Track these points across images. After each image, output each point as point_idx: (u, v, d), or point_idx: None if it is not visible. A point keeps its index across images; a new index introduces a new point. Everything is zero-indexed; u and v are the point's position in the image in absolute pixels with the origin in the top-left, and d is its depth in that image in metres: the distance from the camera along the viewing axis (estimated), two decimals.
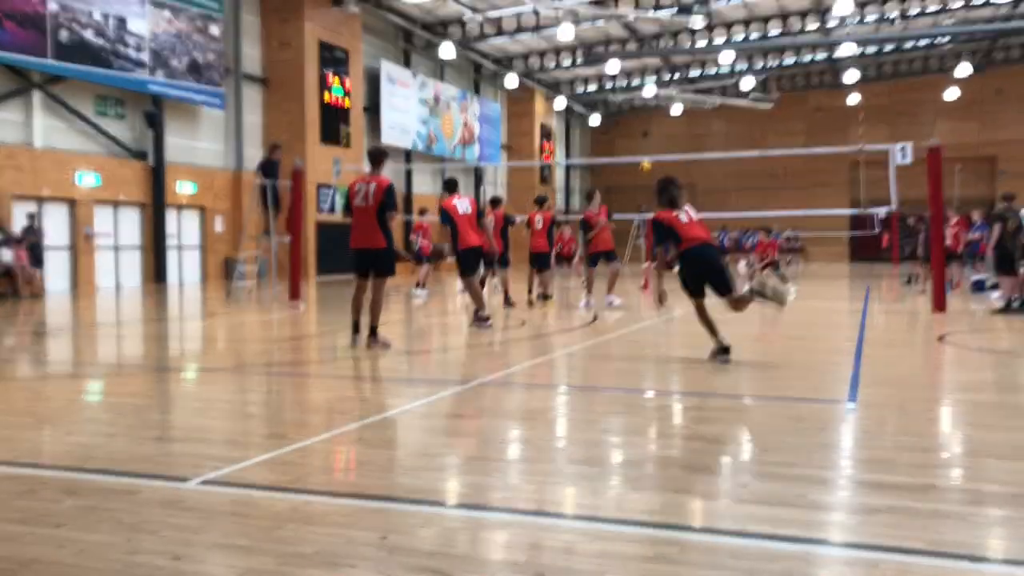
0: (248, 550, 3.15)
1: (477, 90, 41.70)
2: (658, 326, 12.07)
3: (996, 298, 15.93)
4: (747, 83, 44.32)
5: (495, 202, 15.21)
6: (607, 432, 5.26)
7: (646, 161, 20.02)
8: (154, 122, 23.35)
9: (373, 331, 9.13)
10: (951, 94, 45.18)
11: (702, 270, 8.21)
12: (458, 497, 3.94)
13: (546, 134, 46.80)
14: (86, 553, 3.13)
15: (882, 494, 3.80)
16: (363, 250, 9.11)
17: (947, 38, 38.50)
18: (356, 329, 9.36)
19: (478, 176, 41.49)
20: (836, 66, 45.30)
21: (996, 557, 3.15)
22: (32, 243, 18.99)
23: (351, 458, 4.64)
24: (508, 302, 14.26)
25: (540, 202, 15.44)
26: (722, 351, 8.17)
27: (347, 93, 29.62)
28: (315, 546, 3.17)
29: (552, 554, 3.11)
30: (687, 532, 3.38)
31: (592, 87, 46.58)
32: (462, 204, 11.39)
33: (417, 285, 17.49)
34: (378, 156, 9.30)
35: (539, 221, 15.03)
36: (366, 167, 9.35)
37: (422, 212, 19.99)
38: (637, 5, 31.44)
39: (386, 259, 9.13)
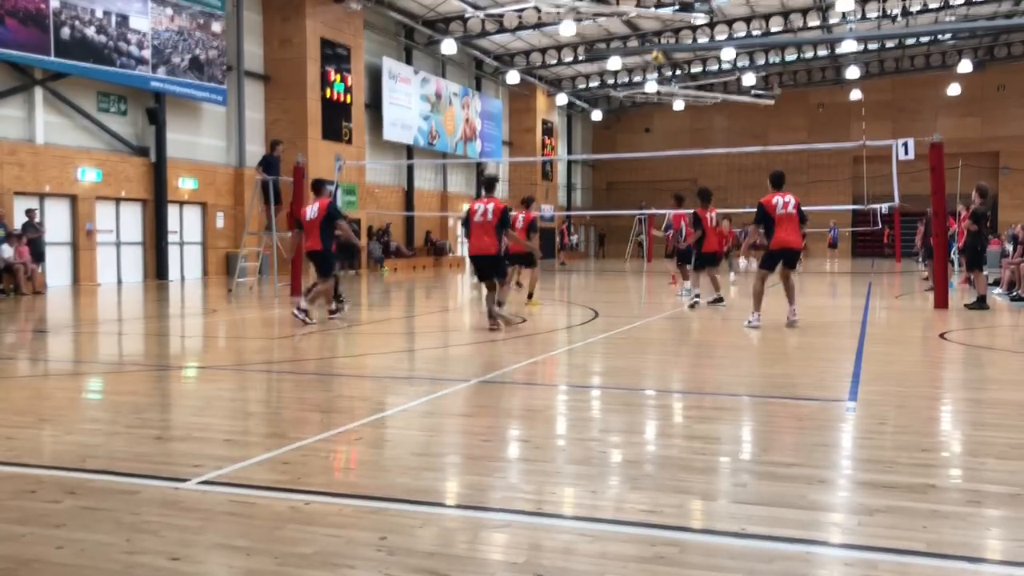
0: (247, 550, 3.15)
1: (479, 86, 41.68)
2: (659, 324, 12.07)
3: (998, 294, 15.96)
4: (748, 79, 44.29)
5: (527, 202, 15.44)
6: (606, 431, 5.26)
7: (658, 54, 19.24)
8: (156, 118, 23.35)
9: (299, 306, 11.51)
10: (953, 90, 45.13)
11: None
12: (457, 497, 3.94)
13: (548, 130, 46.77)
14: (86, 553, 3.13)
15: (882, 494, 3.80)
16: (309, 253, 11.80)
17: (949, 35, 38.42)
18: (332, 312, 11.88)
19: (479, 172, 41.49)
20: (838, 62, 45.25)
21: (995, 558, 3.15)
22: (33, 239, 18.99)
23: (351, 458, 4.65)
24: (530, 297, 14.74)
25: (527, 203, 15.41)
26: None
27: (349, 89, 29.60)
28: (314, 546, 3.17)
29: (551, 554, 3.11)
30: (686, 532, 3.39)
31: (594, 83, 46.54)
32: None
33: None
34: (316, 186, 12.04)
35: (520, 220, 14.78)
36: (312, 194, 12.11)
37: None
38: (639, 3, 31.39)
39: (322, 258, 11.56)
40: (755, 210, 11.25)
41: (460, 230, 12.20)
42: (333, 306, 12.14)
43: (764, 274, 11.23)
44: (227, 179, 26.61)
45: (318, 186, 12.09)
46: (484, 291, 11.21)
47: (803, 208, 11.07)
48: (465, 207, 12.26)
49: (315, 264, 11.85)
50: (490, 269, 10.93)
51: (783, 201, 11.03)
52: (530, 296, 14.64)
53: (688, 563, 3.03)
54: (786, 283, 11.28)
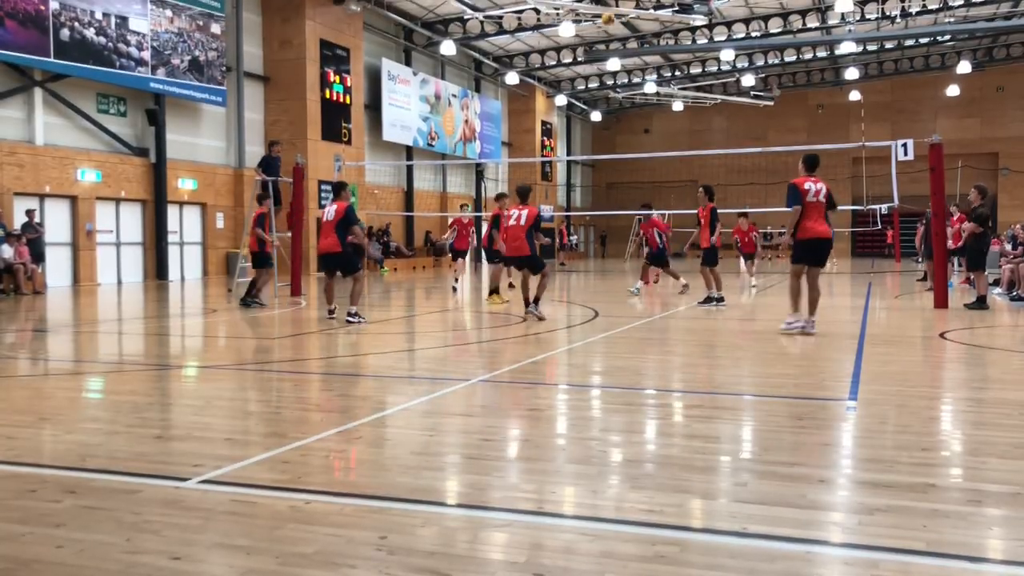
0: (248, 550, 3.15)
1: (478, 87, 41.69)
2: (659, 323, 12.07)
3: (998, 294, 15.95)
4: (748, 80, 44.31)
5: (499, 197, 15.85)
6: (607, 431, 5.26)
7: (609, 15, 18.40)
8: (155, 119, 23.36)
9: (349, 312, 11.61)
10: (952, 91, 45.17)
11: None
12: (458, 497, 3.94)
13: (547, 131, 46.78)
14: (86, 553, 3.13)
15: (882, 493, 3.80)
16: (326, 255, 11.99)
17: (948, 36, 38.45)
18: (332, 312, 12.02)
19: (479, 173, 41.50)
20: (837, 63, 45.29)
21: (996, 557, 3.15)
22: (32, 239, 19.00)
23: (351, 457, 4.64)
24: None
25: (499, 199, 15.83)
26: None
27: (348, 90, 29.62)
28: (315, 546, 3.17)
29: (552, 554, 3.11)
30: (687, 532, 3.38)
31: (593, 84, 46.57)
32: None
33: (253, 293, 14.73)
34: (337, 188, 12.27)
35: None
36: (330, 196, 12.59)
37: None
38: (638, 4, 31.41)
39: (345, 260, 11.94)
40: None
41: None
42: (332, 306, 12.15)
43: (798, 270, 10.22)
44: (227, 180, 26.61)
45: (339, 188, 12.26)
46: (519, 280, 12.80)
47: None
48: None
49: (339, 266, 12.04)
50: (524, 265, 12.49)
51: (815, 188, 10.04)
52: (494, 291, 15.26)
53: (689, 562, 3.03)
54: (812, 288, 10.18)
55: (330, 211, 11.91)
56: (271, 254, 14.86)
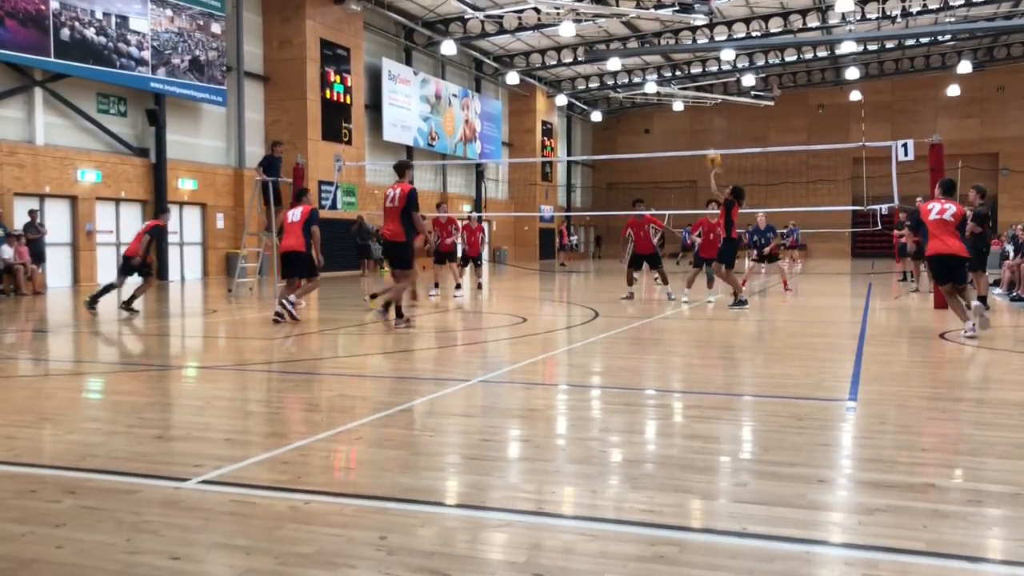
0: (248, 550, 3.15)
1: (478, 87, 41.68)
2: (659, 324, 12.07)
3: (998, 294, 15.95)
4: (748, 80, 44.31)
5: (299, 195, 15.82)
6: (606, 431, 5.26)
7: (715, 156, 15.40)
8: (156, 119, 23.36)
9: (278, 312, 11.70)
10: (952, 91, 45.17)
11: None
12: (458, 497, 3.94)
13: (547, 131, 46.77)
14: (86, 553, 3.13)
15: (882, 494, 3.80)
16: (288, 253, 12.24)
17: (948, 36, 38.45)
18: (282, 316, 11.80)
19: (479, 173, 41.50)
20: (837, 63, 45.28)
21: (996, 557, 3.15)
22: (33, 240, 18.99)
23: (351, 457, 4.64)
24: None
25: (299, 196, 15.86)
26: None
27: (348, 90, 29.62)
28: (315, 546, 3.17)
29: (551, 554, 3.11)
30: (686, 532, 3.39)
31: (593, 84, 46.56)
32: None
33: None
34: (299, 195, 12.81)
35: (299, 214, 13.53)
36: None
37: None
38: (638, 4, 31.41)
39: (306, 261, 12.20)
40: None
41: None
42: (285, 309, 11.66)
43: (944, 290, 10.18)
44: (227, 180, 26.61)
45: (300, 195, 13.07)
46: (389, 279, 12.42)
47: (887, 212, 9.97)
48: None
49: (298, 266, 12.23)
50: (396, 256, 11.16)
51: (939, 207, 9.86)
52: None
53: (688, 562, 3.03)
54: (959, 295, 10.00)
55: (295, 213, 12.44)
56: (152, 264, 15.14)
